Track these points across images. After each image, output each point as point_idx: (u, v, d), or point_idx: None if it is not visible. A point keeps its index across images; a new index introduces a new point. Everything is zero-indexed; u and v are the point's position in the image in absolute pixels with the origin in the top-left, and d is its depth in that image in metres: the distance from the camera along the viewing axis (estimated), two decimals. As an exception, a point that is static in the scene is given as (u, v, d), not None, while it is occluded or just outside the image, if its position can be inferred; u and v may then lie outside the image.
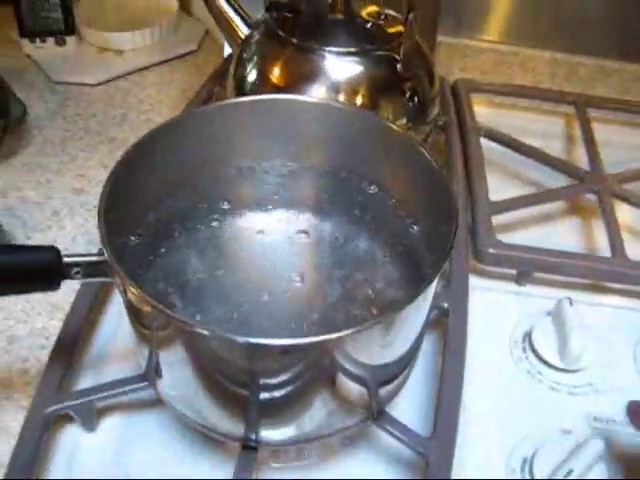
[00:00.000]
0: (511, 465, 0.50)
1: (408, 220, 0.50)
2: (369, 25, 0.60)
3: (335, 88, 0.58)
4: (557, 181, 0.72)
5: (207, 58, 0.91)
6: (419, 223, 0.49)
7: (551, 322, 0.58)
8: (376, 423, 0.46)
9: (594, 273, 0.61)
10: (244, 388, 0.42)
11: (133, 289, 0.38)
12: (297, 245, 0.50)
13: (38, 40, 0.85)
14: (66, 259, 0.39)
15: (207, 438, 0.49)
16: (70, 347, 0.51)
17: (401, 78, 0.58)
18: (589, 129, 0.75)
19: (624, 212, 0.67)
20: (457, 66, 0.88)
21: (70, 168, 0.73)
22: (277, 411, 0.43)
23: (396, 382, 0.46)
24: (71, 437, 0.49)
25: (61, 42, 0.86)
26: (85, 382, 0.52)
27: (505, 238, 0.63)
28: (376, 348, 0.41)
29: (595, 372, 0.56)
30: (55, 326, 0.57)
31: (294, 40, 0.59)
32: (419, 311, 0.41)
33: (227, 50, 0.80)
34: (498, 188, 0.68)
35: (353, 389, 0.43)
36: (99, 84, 0.84)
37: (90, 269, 0.40)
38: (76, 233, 0.66)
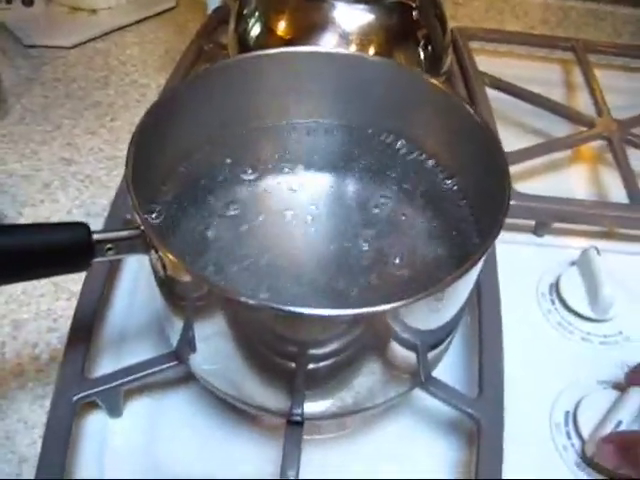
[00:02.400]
0: (554, 419, 0.49)
1: (446, 178, 0.47)
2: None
3: (347, 39, 0.55)
4: (563, 128, 0.71)
5: (187, 15, 0.86)
6: (458, 181, 0.47)
7: (577, 272, 0.57)
8: (424, 388, 0.45)
9: (613, 221, 0.60)
10: (290, 360, 0.39)
11: (176, 261, 0.34)
12: (328, 207, 0.47)
13: (3, 1, 0.79)
14: (96, 236, 0.36)
15: (242, 414, 0.46)
16: (87, 329, 0.48)
17: (416, 27, 0.56)
18: (592, 74, 0.74)
19: (635, 158, 0.65)
20: (447, 14, 0.85)
21: (55, 137, 0.68)
22: (324, 383, 0.41)
23: (443, 345, 0.44)
24: (98, 424, 0.46)
25: (29, 2, 0.80)
26: (106, 365, 0.48)
27: (520, 188, 0.61)
28: (428, 314, 0.39)
29: (625, 320, 0.55)
30: (62, 307, 0.54)
31: (300, -11, 0.55)
32: (471, 278, 0.39)
33: (211, 4, 0.76)
34: (506, 138, 0.66)
35: (402, 355, 0.41)
36: (75, 46, 0.79)
37: (123, 245, 0.37)
38: (71, 206, 0.61)
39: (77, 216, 0.60)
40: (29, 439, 0.46)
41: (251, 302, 0.33)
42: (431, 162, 0.48)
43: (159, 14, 0.85)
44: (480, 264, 0.37)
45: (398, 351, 0.40)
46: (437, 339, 0.43)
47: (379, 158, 0.49)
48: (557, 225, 0.61)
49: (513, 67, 0.80)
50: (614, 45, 0.81)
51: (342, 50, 0.50)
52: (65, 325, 0.52)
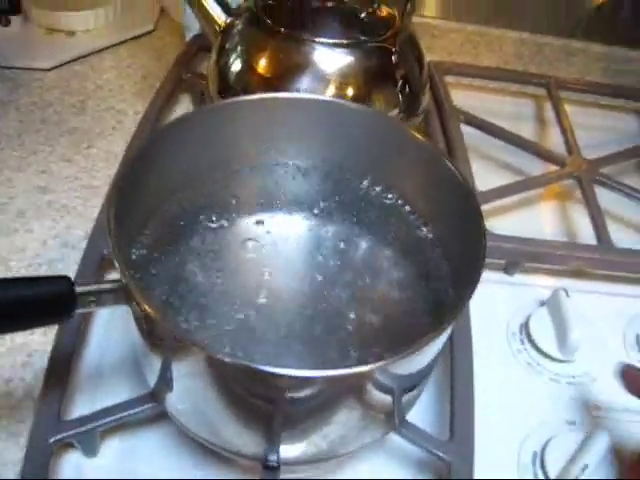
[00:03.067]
0: (522, 460, 0.50)
1: (422, 225, 0.48)
2: (360, 14, 0.58)
3: (326, 80, 0.56)
4: (535, 164, 0.72)
5: (165, 39, 0.86)
6: (434, 228, 0.48)
7: (546, 312, 0.58)
8: (398, 432, 0.45)
9: (582, 262, 0.62)
10: (266, 407, 0.40)
11: (158, 319, 0.35)
12: (305, 251, 0.48)
13: (-21, 21, 0.78)
14: (79, 289, 0.36)
15: (219, 455, 0.47)
16: (64, 368, 0.48)
17: (394, 69, 0.57)
18: (563, 112, 0.75)
19: (604, 196, 0.67)
20: (423, 46, 0.86)
21: (30, 163, 0.68)
22: (301, 429, 0.42)
23: (419, 388, 0.45)
24: (72, 464, 0.46)
25: (5, 22, 0.79)
26: (82, 404, 0.48)
27: (491, 226, 0.62)
28: (405, 364, 0.40)
29: (592, 361, 0.57)
30: (36, 341, 0.53)
31: (282, 29, 0.56)
32: (447, 334, 0.40)
33: (190, 31, 0.77)
34: (479, 173, 0.68)
35: (379, 400, 0.41)
36: (52, 69, 0.78)
37: (105, 297, 0.37)
38: (46, 236, 0.61)
39: (53, 247, 0.60)
40: (3, 477, 0.45)
41: (229, 360, 0.34)
42: (407, 209, 0.49)
43: (137, 37, 0.85)
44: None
45: (375, 397, 0.41)
46: (413, 383, 0.44)
47: (356, 203, 0.50)
48: (528, 264, 0.63)
49: (487, 101, 0.82)
50: (585, 83, 0.83)
51: (323, 97, 0.51)
52: (40, 360, 0.52)
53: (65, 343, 0.48)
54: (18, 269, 0.58)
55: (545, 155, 0.71)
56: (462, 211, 0.43)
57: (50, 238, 0.61)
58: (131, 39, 0.84)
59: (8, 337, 0.53)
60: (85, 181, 0.66)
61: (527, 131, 0.77)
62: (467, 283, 0.39)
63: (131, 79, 0.79)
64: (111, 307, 0.37)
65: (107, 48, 0.82)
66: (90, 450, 0.46)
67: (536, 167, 0.72)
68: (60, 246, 0.60)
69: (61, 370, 0.47)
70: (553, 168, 0.70)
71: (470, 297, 0.38)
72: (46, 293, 0.35)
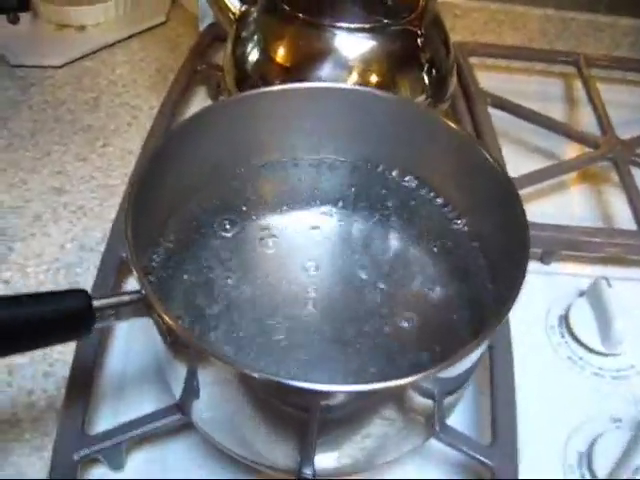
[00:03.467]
0: (568, 461, 0.47)
1: (456, 218, 0.46)
2: (381, -5, 0.55)
3: (348, 67, 0.53)
4: (566, 146, 0.69)
5: (178, 30, 0.83)
6: (469, 222, 0.45)
7: (587, 303, 0.55)
8: (439, 438, 0.43)
9: (621, 248, 0.59)
10: (300, 419, 0.38)
11: (181, 331, 0.33)
12: (333, 249, 0.46)
13: (-13, 19, 0.76)
14: (97, 302, 0.34)
15: (249, 468, 0.45)
16: (86, 380, 0.46)
17: (420, 53, 0.54)
18: (594, 90, 0.72)
19: (641, 178, 0.64)
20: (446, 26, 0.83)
21: (45, 164, 0.66)
22: (336, 440, 0.39)
23: (460, 391, 0.43)
24: (98, 478, 0.44)
25: (14, 20, 0.77)
26: (106, 417, 0.47)
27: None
28: (448, 371, 0.37)
29: (636, 353, 0.54)
30: (58, 350, 0.51)
31: (300, 15, 0.53)
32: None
33: (204, 21, 0.74)
34: (509, 157, 0.65)
35: (419, 405, 0.39)
36: (63, 65, 0.76)
37: (124, 310, 0.35)
38: (64, 240, 0.59)
39: (70, 250, 0.58)
40: (27, 496, 0.44)
41: (257, 376, 0.32)
42: (440, 200, 0.47)
43: (149, 29, 0.82)
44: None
45: (415, 403, 0.38)
46: (455, 386, 0.42)
47: (386, 197, 0.48)
48: (565, 252, 0.60)
49: (513, 81, 0.79)
50: (615, 59, 0.79)
51: (346, 85, 0.48)
52: (61, 370, 0.50)
53: (86, 353, 0.47)
54: (36, 274, 0.56)
55: (577, 137, 0.68)
56: (499, 201, 0.41)
57: (68, 241, 0.59)
58: (143, 31, 0.82)
59: (28, 346, 0.51)
60: (101, 180, 0.64)
61: (557, 112, 0.74)
62: (509, 284, 0.37)
63: (144, 73, 0.76)
64: (131, 320, 0.35)
65: (118, 42, 0.80)
66: (116, 464, 0.44)
67: (568, 150, 0.69)
68: (78, 249, 0.58)
69: (83, 382, 0.46)
70: (586, 150, 0.67)
71: (514, 302, 0.35)
72: (63, 309, 0.33)
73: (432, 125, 0.45)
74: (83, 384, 0.45)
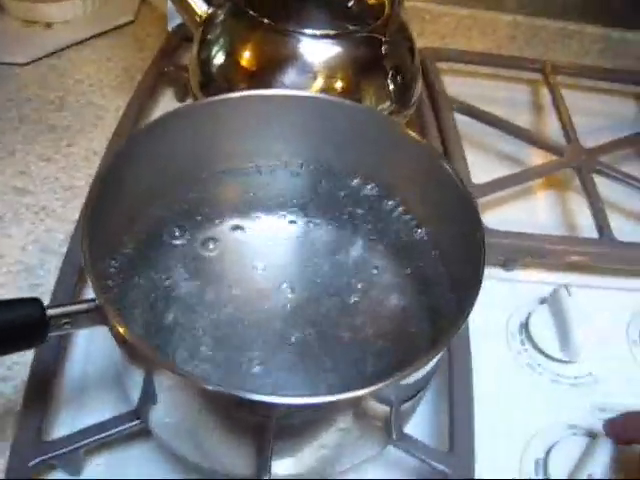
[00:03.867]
0: (525, 469, 0.48)
1: (416, 227, 0.46)
2: (348, 2, 0.55)
3: (313, 74, 0.53)
4: (531, 153, 0.70)
5: (146, 30, 0.82)
6: (429, 230, 0.45)
7: (547, 311, 0.56)
8: (396, 445, 0.43)
9: (583, 256, 0.60)
10: (256, 427, 0.38)
11: (137, 343, 0.32)
12: (293, 255, 0.46)
13: (-48, 14, 0.75)
14: (51, 311, 0.34)
15: (206, 474, 0.45)
16: (45, 385, 0.45)
17: (384, 59, 0.54)
18: (560, 98, 0.73)
19: (604, 186, 0.65)
20: (415, 31, 0.83)
21: (8, 164, 0.65)
22: (292, 448, 0.40)
23: (417, 397, 0.43)
24: (55, 486, 0.44)
25: (-21, 15, 0.76)
26: (64, 422, 0.46)
27: (488, 221, 0.60)
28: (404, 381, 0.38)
29: (594, 360, 0.55)
30: (17, 353, 0.50)
31: (265, 20, 0.53)
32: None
33: (173, 21, 0.74)
34: (474, 163, 0.65)
35: (375, 413, 0.39)
36: (29, 63, 0.75)
37: (80, 318, 0.34)
38: (25, 241, 0.58)
39: (32, 252, 0.58)
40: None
41: (212, 389, 0.32)
42: (401, 209, 0.47)
43: (117, 28, 0.81)
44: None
45: (371, 411, 0.39)
46: (411, 394, 0.42)
47: (347, 203, 0.48)
48: (527, 259, 0.60)
49: (481, 87, 0.79)
50: (582, 67, 0.80)
51: (311, 93, 0.48)
52: (20, 373, 0.49)
53: (45, 357, 0.46)
54: (-4, 277, 0.56)
55: (542, 144, 0.68)
56: (460, 214, 0.41)
57: (29, 243, 0.58)
58: (111, 30, 0.81)
59: (-14, 350, 0.51)
60: (65, 181, 0.64)
61: (523, 118, 0.75)
62: (467, 292, 0.37)
63: (112, 73, 0.76)
64: (87, 328, 0.35)
65: (86, 40, 0.79)
66: (74, 470, 0.44)
67: (533, 156, 0.70)
68: (40, 251, 0.58)
69: (41, 386, 0.45)
70: (551, 158, 0.68)
71: (470, 309, 0.35)
72: (15, 318, 0.32)
73: (394, 134, 0.45)
74: (41, 389, 0.45)
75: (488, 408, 0.50)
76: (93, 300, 0.34)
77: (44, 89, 0.73)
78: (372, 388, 0.32)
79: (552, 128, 0.73)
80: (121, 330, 0.32)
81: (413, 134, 0.44)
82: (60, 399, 0.47)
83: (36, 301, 0.33)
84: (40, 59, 0.76)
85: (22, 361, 0.50)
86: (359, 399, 0.35)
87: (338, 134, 0.47)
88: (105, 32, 0.81)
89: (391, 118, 0.49)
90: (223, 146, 0.47)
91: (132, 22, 0.83)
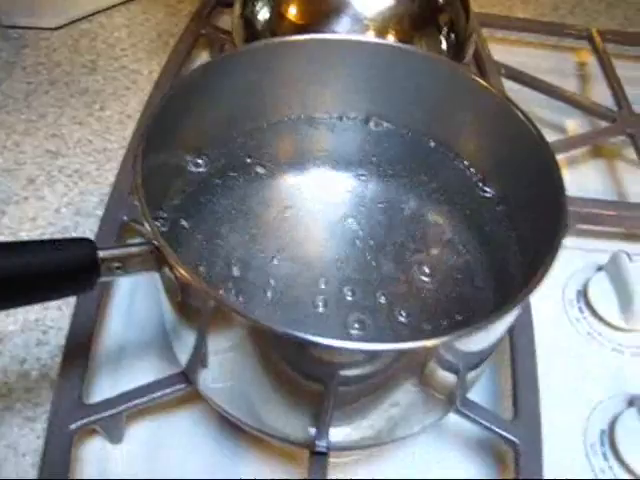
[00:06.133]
0: (589, 439, 0.45)
1: (484, 186, 0.43)
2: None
3: (364, 25, 0.50)
4: (581, 121, 0.67)
5: (179, -6, 0.80)
6: (497, 189, 0.42)
7: (606, 278, 0.53)
8: (460, 412, 0.41)
9: (636, 222, 0.57)
10: (316, 384, 0.35)
11: (197, 284, 0.30)
12: (352, 212, 0.43)
13: (-20, -23, 0.73)
14: (102, 253, 0.31)
15: (258, 441, 0.42)
16: (84, 347, 0.43)
17: (438, 13, 0.51)
18: (610, 65, 0.70)
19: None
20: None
21: (39, 127, 0.62)
22: (352, 411, 0.37)
23: (483, 365, 0.40)
24: (97, 450, 0.42)
25: (8, -22, 0.74)
26: (105, 386, 0.44)
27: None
28: (472, 341, 0.35)
29: (657, 330, 0.52)
30: (51, 317, 0.49)
31: (314, -30, 0.50)
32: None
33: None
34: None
35: (441, 378, 0.37)
36: (59, 27, 0.73)
37: (132, 262, 0.32)
38: (59, 204, 0.56)
39: (66, 215, 0.55)
40: (20, 468, 0.41)
41: (280, 331, 0.29)
42: (467, 168, 0.44)
43: (149, -7, 0.79)
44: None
45: (437, 374, 0.36)
46: (479, 359, 0.39)
47: (411, 161, 0.45)
48: (580, 226, 0.57)
49: (525, 55, 0.76)
50: (629, 34, 0.77)
51: (373, 38, 0.45)
52: (56, 338, 0.47)
53: (84, 318, 0.44)
54: (31, 239, 0.53)
55: (593, 110, 0.65)
56: (533, 170, 0.38)
57: (63, 206, 0.56)
58: (144, -7, 0.79)
59: (20, 312, 0.49)
60: (98, 145, 0.61)
61: (570, 87, 0.72)
62: (539, 257, 0.34)
63: (145, 37, 0.73)
64: (139, 274, 0.32)
65: (117, 5, 0.77)
66: (115, 436, 0.42)
67: (583, 123, 0.67)
68: (74, 214, 0.56)
69: (81, 348, 0.43)
70: (603, 124, 0.65)
71: (544, 277, 0.32)
72: (65, 258, 0.30)
73: (461, 84, 0.42)
74: (81, 349, 0.43)
75: (550, 377, 0.47)
76: (147, 243, 0.32)
77: (75, 53, 0.70)
78: (445, 338, 0.30)
79: (602, 96, 0.70)
80: (181, 271, 0.29)
81: (480, 79, 0.41)
82: (101, 362, 0.45)
83: (88, 241, 0.31)
84: (70, 24, 0.74)
85: (57, 325, 0.48)
86: (427, 354, 0.32)
87: (397, 84, 0.44)
88: (136, -3, 0.78)
89: (455, 63, 0.46)
90: (274, 95, 0.44)
91: (164, -13, 0.80)
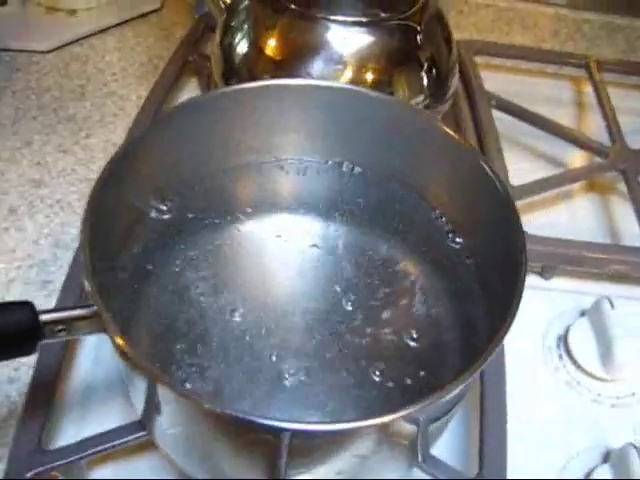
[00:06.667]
0: (560, 496, 0.44)
1: (450, 232, 0.42)
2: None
3: (342, 64, 0.50)
4: (573, 153, 0.66)
5: (173, 18, 0.80)
6: (463, 236, 0.42)
7: (588, 324, 0.52)
8: (421, 468, 0.40)
9: (626, 266, 0.55)
10: (269, 441, 0.34)
11: (135, 358, 0.29)
12: (315, 260, 0.43)
13: (-25, -1, 0.73)
14: (44, 317, 0.31)
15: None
16: (47, 392, 0.43)
17: (419, 50, 0.50)
18: (605, 96, 0.68)
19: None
20: (451, 24, 0.79)
21: (25, 155, 0.63)
22: (308, 466, 0.36)
23: (446, 417, 0.39)
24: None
25: (2, 1, 0.74)
26: (67, 431, 0.44)
27: (526, 225, 0.55)
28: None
29: (637, 379, 0.50)
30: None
31: (292, 6, 0.50)
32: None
33: (199, 9, 0.71)
34: (512, 162, 0.61)
35: (400, 433, 0.36)
36: (50, 51, 0.73)
37: (76, 325, 0.31)
38: (39, 235, 0.56)
39: (45, 247, 0.55)
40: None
41: (219, 411, 0.28)
42: (434, 213, 0.44)
43: (143, 16, 0.79)
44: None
45: (396, 431, 0.35)
46: (441, 414, 0.38)
47: (375, 204, 0.44)
48: (566, 267, 0.56)
49: (520, 83, 0.75)
50: (628, 64, 0.75)
51: (339, 83, 0.45)
52: (27, 375, 0.47)
53: (50, 361, 0.44)
54: (7, 271, 0.54)
55: (585, 144, 0.64)
56: (498, 220, 0.37)
57: (42, 237, 0.56)
58: (136, 18, 0.78)
59: (-7, 349, 0.48)
60: (81, 174, 0.61)
61: (565, 117, 0.71)
62: (504, 306, 0.33)
63: (135, 61, 0.73)
64: (85, 335, 0.32)
65: (110, 28, 0.77)
66: (75, 481, 0.41)
67: (575, 158, 0.66)
68: (53, 246, 0.56)
69: (44, 392, 0.42)
70: (595, 159, 0.63)
71: (508, 329, 0.32)
72: (5, 323, 0.29)
73: (429, 130, 0.41)
74: (44, 394, 0.42)
75: (522, 428, 0.46)
76: (91, 305, 0.31)
77: (65, 78, 0.70)
78: (398, 414, 0.29)
79: (596, 128, 0.69)
80: (118, 341, 0.29)
81: (449, 130, 0.40)
82: (64, 405, 0.45)
83: (28, 305, 0.31)
84: (63, 47, 0.74)
85: (29, 363, 0.48)
86: (384, 425, 0.31)
87: (367, 129, 0.44)
88: (130, 20, 0.78)
89: (427, 112, 0.46)
90: (242, 138, 0.44)
91: (158, 10, 0.80)
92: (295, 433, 0.29)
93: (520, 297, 0.33)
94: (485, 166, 0.39)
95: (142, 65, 0.73)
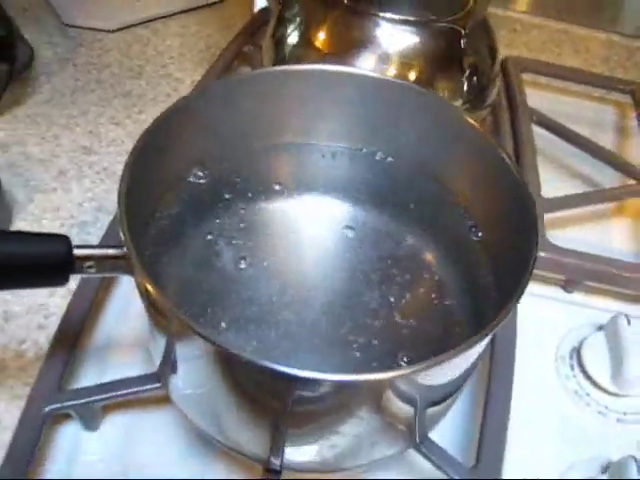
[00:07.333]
0: (554, 499, 0.45)
1: (468, 221, 0.44)
2: (431, -9, 0.53)
3: (387, 60, 0.51)
4: (609, 176, 0.66)
5: (234, 10, 0.83)
6: (481, 225, 0.43)
7: (603, 338, 0.52)
8: (417, 449, 0.41)
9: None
10: (274, 405, 0.36)
11: (158, 296, 0.31)
12: (339, 241, 0.44)
13: (48, -24, 0.77)
14: (77, 251, 0.33)
15: (219, 450, 0.43)
16: (73, 336, 0.45)
17: (462, 55, 0.52)
18: (648, 123, 0.69)
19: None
20: (503, 41, 0.80)
21: (79, 123, 0.66)
22: (309, 434, 0.38)
23: (446, 402, 0.40)
24: (71, 436, 0.44)
25: (73, -20, 0.78)
26: (89, 375, 0.46)
27: (554, 238, 0.57)
28: (435, 372, 0.35)
29: (647, 398, 0.51)
30: (56, 304, 0.51)
31: (345, 1, 0.52)
32: (485, 342, 0.36)
33: (258, 3, 0.73)
34: (547, 180, 0.62)
35: (398, 410, 0.37)
36: (115, 30, 0.77)
37: (105, 264, 0.34)
38: (83, 198, 0.59)
39: (88, 210, 0.58)
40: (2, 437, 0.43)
41: (239, 355, 0.30)
42: (456, 203, 0.45)
43: (207, 6, 0.83)
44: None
45: (394, 407, 0.36)
46: (440, 396, 0.40)
47: (403, 194, 0.46)
48: (589, 283, 0.57)
49: (565, 104, 0.76)
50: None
51: (383, 75, 0.46)
52: (56, 324, 0.49)
53: (78, 308, 0.46)
54: (50, 228, 0.56)
55: (622, 166, 0.65)
56: (515, 210, 0.39)
57: (86, 200, 0.59)
58: (200, 7, 0.82)
59: (28, 295, 0.51)
60: (130, 146, 0.63)
61: (605, 141, 0.71)
62: (512, 289, 0.34)
63: (194, 48, 0.76)
64: (112, 275, 0.34)
65: (175, 14, 0.80)
66: (90, 424, 0.44)
67: (611, 178, 0.66)
68: (95, 210, 0.58)
69: (70, 336, 0.45)
70: (630, 182, 0.64)
71: (514, 304, 0.33)
72: (41, 251, 0.32)
73: (465, 131, 0.43)
74: (69, 338, 0.45)
75: (524, 429, 0.47)
76: (122, 247, 0.33)
77: (125, 57, 0.74)
78: (394, 373, 0.31)
79: (635, 154, 0.69)
80: (142, 278, 0.31)
81: (473, 122, 0.41)
82: (88, 352, 0.47)
83: (65, 238, 0.33)
84: (127, 28, 0.77)
85: (60, 312, 0.50)
86: (382, 385, 0.33)
87: (404, 122, 0.45)
88: (194, 8, 0.82)
89: (449, 102, 0.47)
90: (276, 119, 0.46)
91: (222, 1, 0.84)
92: (300, 380, 0.30)
93: (531, 271, 0.34)
94: (509, 163, 0.40)
95: (200, 52, 0.76)
